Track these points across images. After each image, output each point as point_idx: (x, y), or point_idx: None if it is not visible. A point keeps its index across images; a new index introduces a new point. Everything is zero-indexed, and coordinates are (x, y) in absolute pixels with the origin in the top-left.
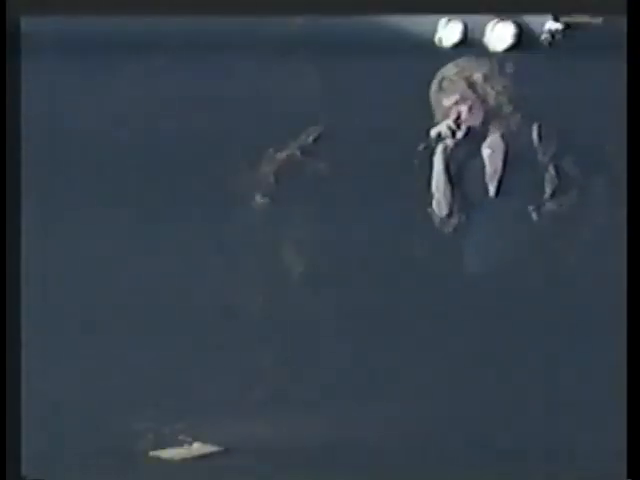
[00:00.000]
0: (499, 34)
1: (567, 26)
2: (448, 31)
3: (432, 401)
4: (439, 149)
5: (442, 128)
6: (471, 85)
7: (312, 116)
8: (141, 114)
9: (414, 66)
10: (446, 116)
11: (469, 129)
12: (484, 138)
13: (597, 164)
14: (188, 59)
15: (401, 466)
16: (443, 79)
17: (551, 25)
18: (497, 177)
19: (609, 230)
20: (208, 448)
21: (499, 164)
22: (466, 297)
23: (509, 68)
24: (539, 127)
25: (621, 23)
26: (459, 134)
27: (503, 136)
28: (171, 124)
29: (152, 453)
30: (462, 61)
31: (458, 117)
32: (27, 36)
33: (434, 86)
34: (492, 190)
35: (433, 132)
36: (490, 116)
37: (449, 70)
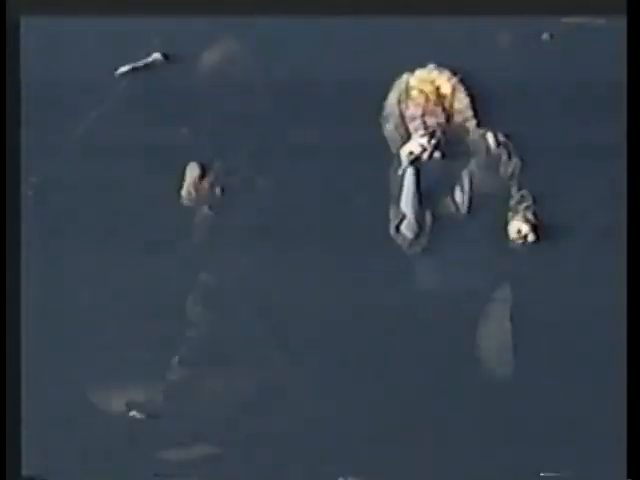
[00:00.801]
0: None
1: (567, 26)
2: None
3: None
4: (409, 170)
5: (414, 147)
6: (440, 97)
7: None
8: (141, 114)
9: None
10: (412, 127)
11: (438, 143)
12: (453, 154)
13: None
14: (188, 59)
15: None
16: (410, 87)
17: (551, 25)
18: (467, 194)
19: (585, 247)
20: (208, 448)
21: (467, 181)
22: (431, 316)
23: (476, 80)
24: (506, 142)
25: (621, 23)
26: (432, 151)
27: (470, 152)
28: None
29: (152, 453)
30: (429, 70)
31: (430, 132)
32: (27, 36)
33: (397, 94)
34: (464, 208)
35: (404, 151)
36: (458, 130)
37: (416, 78)
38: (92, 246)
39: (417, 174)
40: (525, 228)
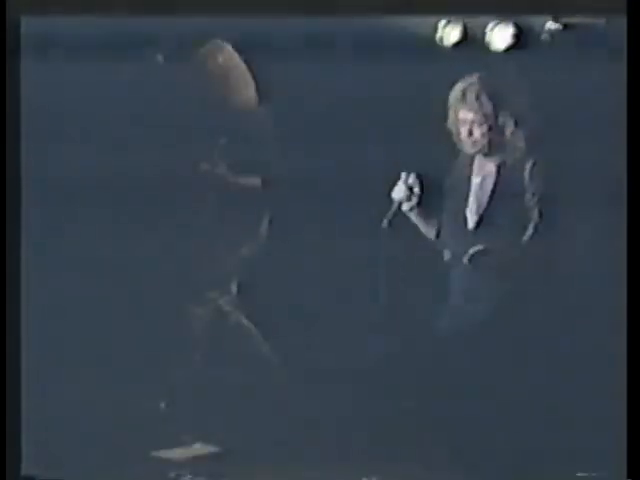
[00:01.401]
0: (499, 34)
1: (567, 26)
2: (448, 31)
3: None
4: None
5: (401, 194)
6: (495, 109)
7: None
8: (141, 114)
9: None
10: (456, 127)
11: (420, 199)
12: (480, 166)
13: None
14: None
15: None
16: (467, 91)
17: (551, 25)
18: (480, 210)
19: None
20: (208, 448)
21: (485, 196)
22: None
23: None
24: (532, 165)
25: (621, 23)
26: (414, 199)
27: (498, 168)
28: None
29: (152, 453)
30: (492, 81)
31: (470, 134)
32: (27, 36)
33: (458, 93)
34: (472, 223)
35: (394, 196)
36: (496, 145)
37: (479, 84)
38: (92, 246)
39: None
40: None
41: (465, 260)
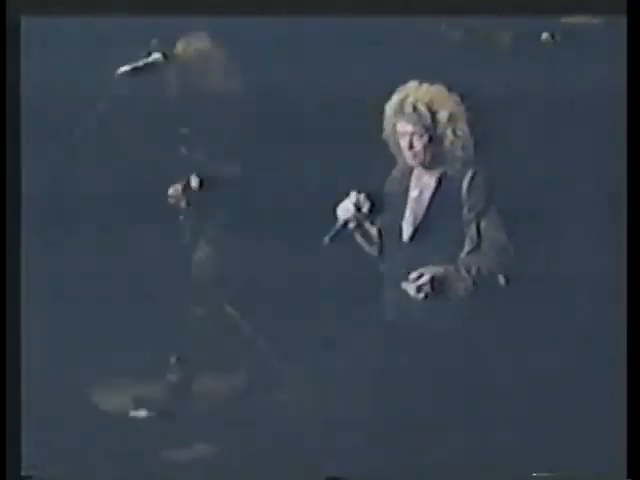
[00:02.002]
0: None
1: (567, 26)
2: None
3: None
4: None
5: (348, 213)
6: (435, 121)
7: None
8: (140, 113)
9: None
10: (394, 139)
11: (372, 205)
12: (418, 178)
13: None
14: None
15: None
16: (404, 101)
17: (551, 25)
18: (416, 222)
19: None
20: (208, 448)
21: (422, 209)
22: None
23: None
24: (472, 177)
25: (621, 23)
26: (365, 208)
27: (439, 180)
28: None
29: (152, 453)
30: (432, 89)
31: (411, 146)
32: (27, 36)
33: (395, 104)
34: (406, 235)
35: (339, 213)
36: (437, 157)
37: (414, 93)
38: (92, 246)
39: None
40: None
41: (326, 240)
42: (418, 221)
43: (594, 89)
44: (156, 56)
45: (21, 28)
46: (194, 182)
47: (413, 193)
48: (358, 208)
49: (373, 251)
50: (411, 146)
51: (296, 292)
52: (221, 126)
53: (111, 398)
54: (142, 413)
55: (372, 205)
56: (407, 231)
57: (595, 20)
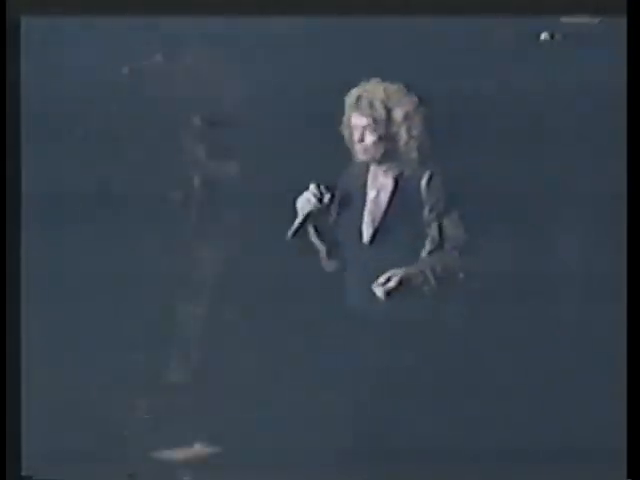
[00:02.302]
0: None
1: (567, 26)
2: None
3: None
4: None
5: (309, 206)
6: (389, 119)
7: None
8: (140, 113)
9: None
10: (349, 132)
11: (332, 196)
12: (375, 177)
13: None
14: (186, 59)
15: None
16: (362, 96)
17: (551, 25)
18: (375, 223)
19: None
20: (208, 448)
21: (380, 210)
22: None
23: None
24: (429, 178)
25: (621, 23)
26: (326, 199)
27: (396, 181)
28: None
29: (152, 453)
30: (390, 87)
31: (361, 139)
32: (27, 36)
33: (353, 98)
34: (366, 237)
35: (298, 206)
36: (391, 156)
37: (373, 90)
38: (92, 246)
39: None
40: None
41: (289, 235)
42: (377, 223)
43: (594, 89)
44: (157, 57)
45: (21, 28)
46: (195, 182)
47: (371, 194)
48: (319, 199)
49: (324, 252)
50: (362, 139)
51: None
52: (220, 127)
53: (111, 398)
54: (141, 414)
55: (332, 196)
56: (367, 233)
57: (595, 20)
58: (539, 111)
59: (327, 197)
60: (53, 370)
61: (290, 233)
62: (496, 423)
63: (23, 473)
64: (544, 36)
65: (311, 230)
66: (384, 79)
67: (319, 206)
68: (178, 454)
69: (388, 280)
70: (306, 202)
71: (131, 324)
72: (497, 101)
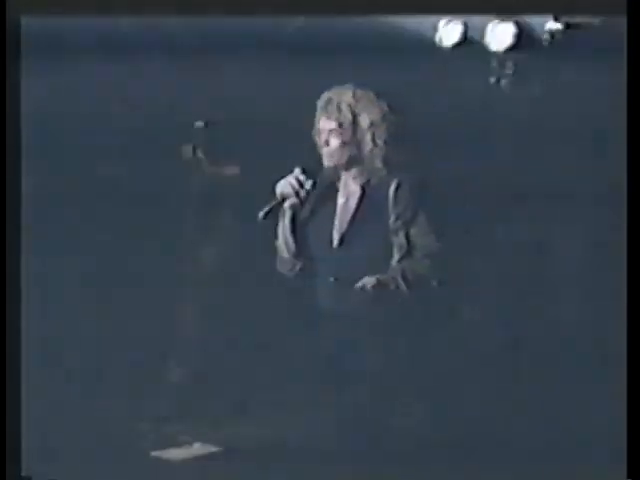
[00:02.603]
0: (499, 34)
1: (567, 26)
2: (448, 31)
3: None
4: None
5: (287, 188)
6: (355, 124)
7: None
8: (140, 113)
9: None
10: (317, 136)
11: (315, 184)
12: (345, 184)
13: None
14: (186, 59)
15: None
16: (331, 100)
17: (551, 25)
18: (342, 229)
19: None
20: (208, 448)
21: (348, 216)
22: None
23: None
24: (397, 187)
25: (621, 23)
26: (302, 192)
27: (363, 188)
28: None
29: (152, 453)
30: (359, 93)
31: (327, 143)
32: (27, 36)
33: (322, 102)
34: (335, 242)
35: (278, 190)
36: (355, 162)
37: (342, 95)
38: (92, 246)
39: (294, 205)
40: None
41: (260, 215)
42: (344, 229)
43: (594, 89)
44: (157, 57)
45: (21, 28)
46: (196, 182)
47: (340, 200)
48: (300, 184)
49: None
50: (327, 143)
51: None
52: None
53: (111, 398)
54: (141, 414)
55: (314, 183)
56: (336, 238)
57: (595, 20)
58: (539, 112)
59: (309, 183)
60: (53, 370)
61: (262, 214)
62: (496, 423)
63: (23, 473)
64: (544, 36)
65: (288, 225)
66: (368, 85)
67: (299, 190)
68: (178, 454)
69: (362, 288)
70: (286, 184)
71: (131, 324)
72: (488, 104)
